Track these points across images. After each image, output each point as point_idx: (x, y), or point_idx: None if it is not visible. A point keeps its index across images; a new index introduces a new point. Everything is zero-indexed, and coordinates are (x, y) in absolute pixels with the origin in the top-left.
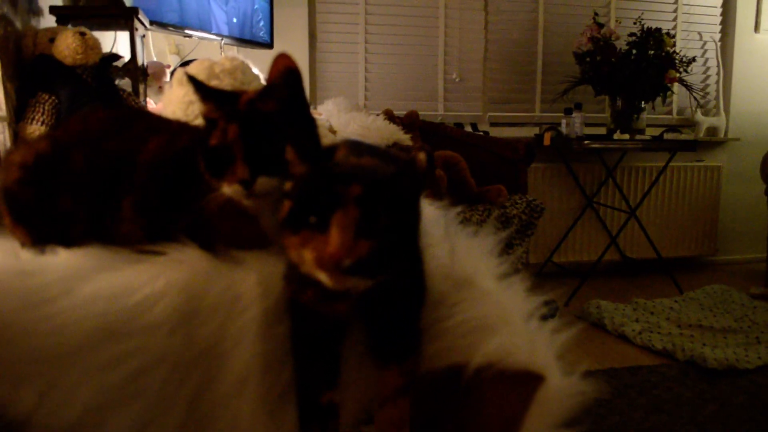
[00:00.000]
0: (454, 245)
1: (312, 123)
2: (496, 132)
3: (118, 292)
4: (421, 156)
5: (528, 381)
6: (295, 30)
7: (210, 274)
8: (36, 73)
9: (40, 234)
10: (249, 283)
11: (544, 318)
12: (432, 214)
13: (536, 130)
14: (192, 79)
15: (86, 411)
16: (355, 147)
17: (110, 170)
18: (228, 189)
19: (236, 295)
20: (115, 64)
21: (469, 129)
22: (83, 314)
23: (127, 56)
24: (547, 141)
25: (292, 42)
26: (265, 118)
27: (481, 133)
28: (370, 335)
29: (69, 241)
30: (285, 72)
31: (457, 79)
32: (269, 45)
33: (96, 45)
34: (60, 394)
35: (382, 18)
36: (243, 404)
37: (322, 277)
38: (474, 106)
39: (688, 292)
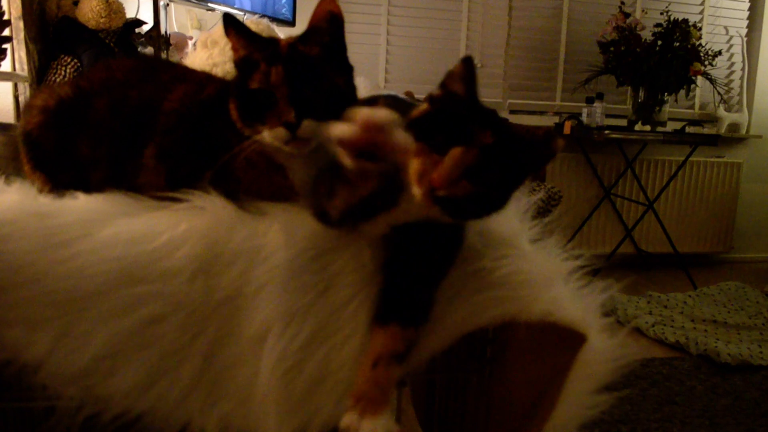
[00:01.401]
0: None
1: (351, 69)
2: (515, 120)
3: (138, 236)
4: (561, 141)
5: (571, 340)
6: None
7: (232, 223)
8: (59, 35)
9: (60, 180)
10: (272, 233)
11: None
12: None
13: (557, 119)
14: (232, 20)
15: (98, 358)
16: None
17: (133, 117)
18: (269, 133)
19: (259, 245)
20: (137, 30)
21: None
22: (101, 258)
23: (150, 24)
24: (567, 130)
25: None
26: (308, 60)
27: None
28: (386, 287)
29: (88, 188)
30: (328, 16)
31: (478, 65)
32: (291, 23)
33: (120, 9)
34: (73, 340)
35: (405, 0)
36: (261, 361)
37: (415, 190)
38: (494, 92)
39: (703, 288)
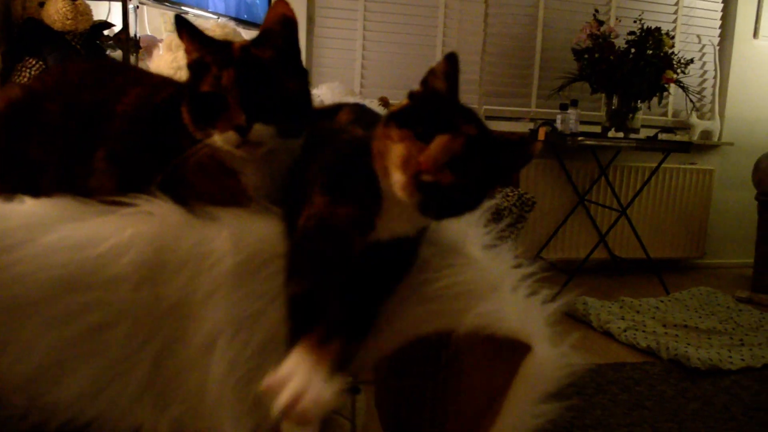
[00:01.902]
0: None
1: (305, 73)
2: (491, 126)
3: (83, 242)
4: (539, 145)
5: (514, 350)
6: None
7: (181, 228)
8: (24, 37)
9: (8, 183)
10: (221, 239)
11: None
12: None
13: (531, 125)
14: (184, 22)
15: (44, 366)
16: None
17: (85, 120)
18: (219, 137)
19: (207, 251)
20: (106, 33)
21: None
22: (44, 264)
23: (119, 26)
24: (541, 136)
25: None
26: (261, 64)
27: None
28: (339, 301)
29: (38, 191)
30: (282, 19)
31: None
32: None
33: (86, 11)
34: (17, 348)
35: (381, 5)
36: (212, 367)
37: (397, 176)
38: (470, 98)
39: (675, 293)
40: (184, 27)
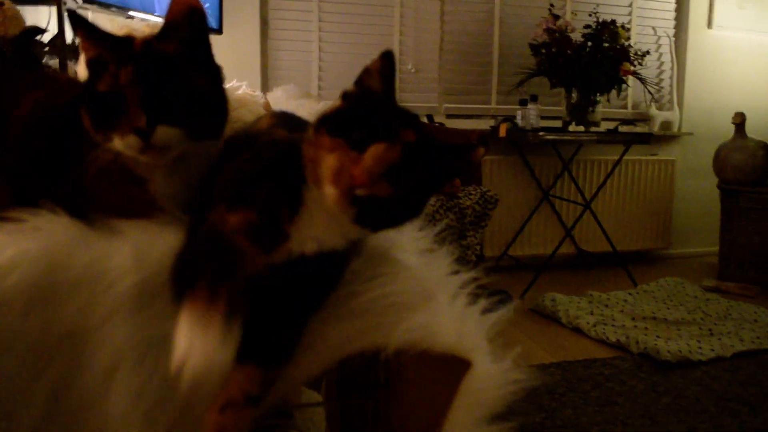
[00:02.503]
0: None
1: (217, 69)
2: (452, 124)
3: None
4: (482, 151)
5: (453, 366)
6: (247, 16)
7: (74, 245)
8: None
9: None
10: (122, 255)
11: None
12: None
13: (492, 122)
14: (78, 18)
15: None
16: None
17: None
18: (120, 142)
19: (105, 269)
20: (40, 39)
21: (425, 121)
22: None
23: (52, 31)
24: (502, 132)
25: (243, 28)
26: (164, 59)
27: (437, 125)
28: (254, 323)
29: None
30: (186, 10)
31: (412, 70)
32: (218, 31)
33: (16, 16)
34: None
35: (336, 5)
36: (114, 399)
37: (329, 190)
38: (430, 97)
39: (642, 285)
40: (77, 23)
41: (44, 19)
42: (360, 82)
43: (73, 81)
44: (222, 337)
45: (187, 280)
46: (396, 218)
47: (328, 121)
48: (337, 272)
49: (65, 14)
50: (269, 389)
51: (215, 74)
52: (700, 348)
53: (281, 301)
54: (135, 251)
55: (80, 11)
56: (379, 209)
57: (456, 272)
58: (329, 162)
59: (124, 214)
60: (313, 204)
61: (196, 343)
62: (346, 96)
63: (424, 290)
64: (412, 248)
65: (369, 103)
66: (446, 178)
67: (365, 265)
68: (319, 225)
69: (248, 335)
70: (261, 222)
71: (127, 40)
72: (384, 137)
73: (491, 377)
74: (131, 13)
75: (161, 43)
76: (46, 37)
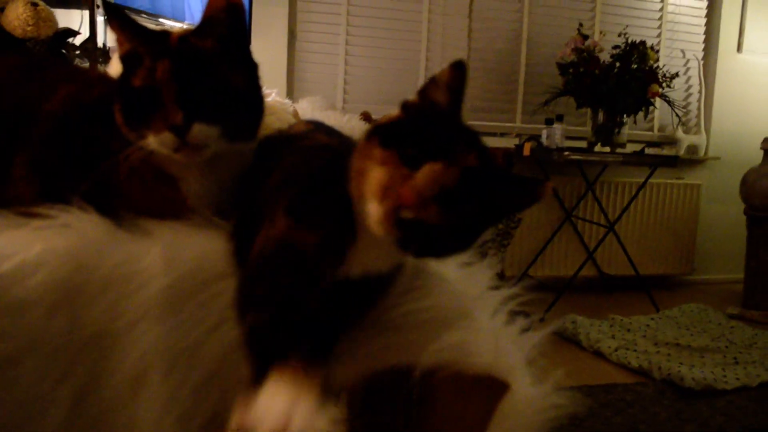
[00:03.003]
0: None
1: (255, 67)
2: None
3: None
4: (550, 186)
5: (490, 388)
6: (275, 27)
7: (104, 244)
8: None
9: None
10: (152, 257)
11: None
12: None
13: (516, 141)
14: (115, 10)
15: None
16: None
17: (7, 122)
18: (154, 140)
19: (135, 270)
20: (71, 41)
21: None
22: None
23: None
24: (527, 151)
25: (271, 39)
26: (201, 55)
27: None
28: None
29: None
30: (225, 5)
31: None
32: None
33: (49, 17)
34: None
35: (364, 20)
36: (142, 406)
37: (372, 207)
38: None
39: (665, 311)
40: (114, 16)
41: (76, 22)
42: (424, 92)
43: (105, 76)
44: (323, 407)
45: (263, 298)
46: (442, 248)
47: (381, 131)
48: (377, 295)
49: (98, 16)
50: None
51: (252, 72)
52: (724, 376)
53: (324, 318)
54: (165, 253)
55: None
56: (425, 236)
57: (496, 288)
58: (376, 175)
59: (155, 214)
60: (362, 226)
61: (297, 408)
62: (405, 106)
63: (461, 306)
64: (451, 260)
65: (431, 117)
66: (506, 212)
67: (400, 277)
68: (368, 249)
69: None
70: (332, 245)
71: (164, 34)
72: (441, 156)
73: (530, 401)
74: (161, 20)
75: (198, 38)
76: (78, 40)
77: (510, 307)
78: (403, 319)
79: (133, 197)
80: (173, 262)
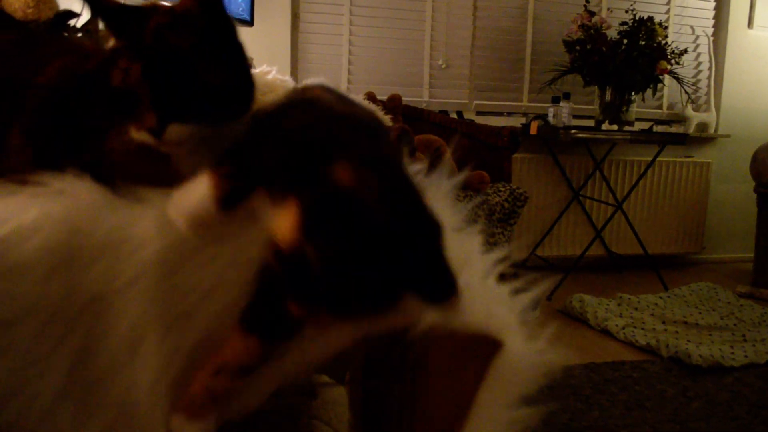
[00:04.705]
0: None
1: (240, 51)
2: (482, 121)
3: None
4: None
5: (483, 346)
6: (278, 9)
7: (97, 209)
8: None
9: None
10: (146, 223)
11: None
12: None
13: (523, 120)
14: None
15: None
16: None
17: (3, 95)
18: (135, 134)
19: (129, 235)
20: (72, 23)
21: (454, 117)
22: None
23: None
24: (534, 130)
25: (274, 21)
26: (175, 54)
27: (467, 122)
28: (257, 294)
29: None
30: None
31: (443, 66)
32: (249, 23)
33: None
34: None
35: (368, 0)
36: (139, 370)
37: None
38: (460, 93)
39: (674, 289)
40: (94, 7)
41: (77, 3)
42: None
43: (99, 49)
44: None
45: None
46: None
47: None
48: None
49: None
50: (261, 364)
51: (238, 63)
52: (732, 354)
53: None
54: (159, 219)
55: None
56: None
57: (486, 251)
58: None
59: (149, 184)
60: None
61: None
62: None
63: (453, 268)
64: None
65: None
66: None
67: None
68: None
69: (256, 306)
70: None
71: (140, 24)
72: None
73: (523, 358)
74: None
75: (173, 34)
76: (79, 22)
77: (500, 269)
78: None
79: (126, 168)
80: (167, 228)
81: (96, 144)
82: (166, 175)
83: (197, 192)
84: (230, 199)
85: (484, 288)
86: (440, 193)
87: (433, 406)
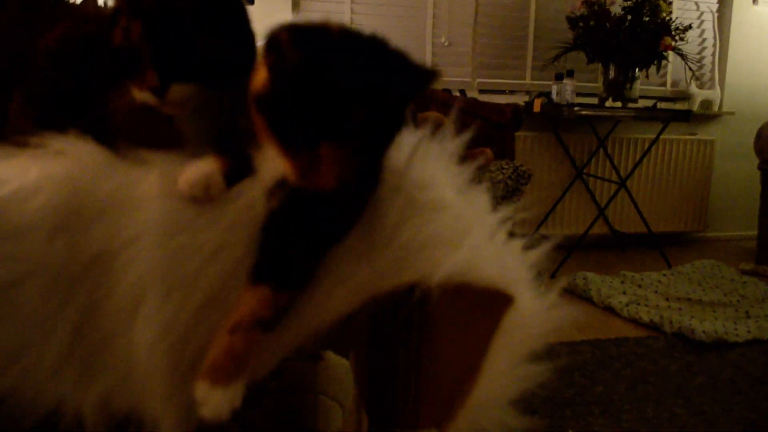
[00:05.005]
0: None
1: (243, 15)
2: (485, 99)
3: None
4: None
5: (494, 301)
6: None
7: (99, 170)
8: None
9: None
10: (148, 184)
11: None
12: None
13: (527, 98)
14: None
15: None
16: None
17: (6, 59)
18: (138, 94)
19: (130, 196)
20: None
21: (457, 95)
22: None
23: None
24: (537, 107)
25: (275, 6)
26: (177, 14)
27: (470, 99)
28: (264, 242)
29: None
30: None
31: (446, 44)
32: (250, 1)
33: None
34: None
35: None
36: (141, 332)
37: None
38: (463, 71)
39: (677, 267)
40: None
41: None
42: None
43: (101, 12)
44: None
45: None
46: None
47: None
48: (353, 204)
49: None
50: (282, 315)
51: (239, 25)
52: (736, 330)
53: (296, 225)
54: (161, 180)
55: None
56: None
57: (494, 209)
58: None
59: (151, 146)
60: None
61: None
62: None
63: (462, 227)
64: (449, 185)
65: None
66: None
67: (401, 202)
68: None
69: (264, 257)
70: None
71: None
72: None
73: (534, 313)
74: None
75: None
76: None
77: (508, 226)
78: (407, 240)
79: (128, 130)
80: (168, 189)
81: (98, 106)
82: (169, 137)
83: (206, 167)
84: (233, 177)
85: (494, 244)
86: (445, 155)
87: (441, 366)
